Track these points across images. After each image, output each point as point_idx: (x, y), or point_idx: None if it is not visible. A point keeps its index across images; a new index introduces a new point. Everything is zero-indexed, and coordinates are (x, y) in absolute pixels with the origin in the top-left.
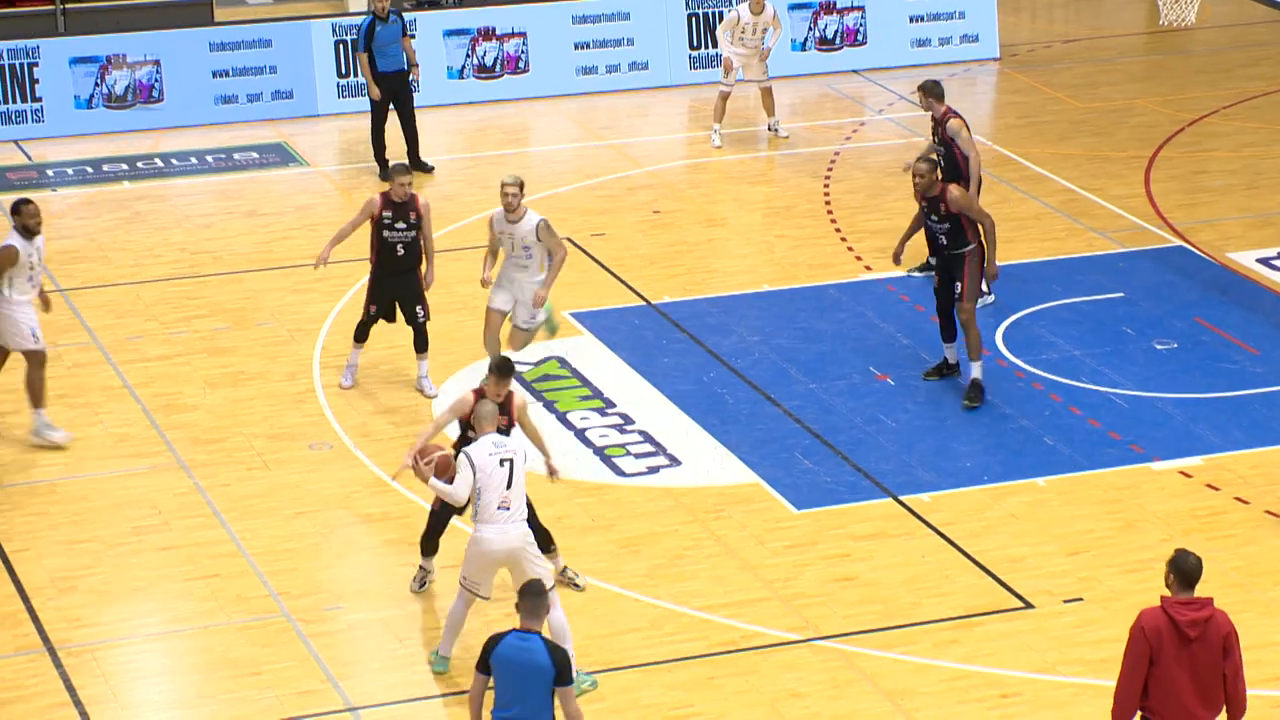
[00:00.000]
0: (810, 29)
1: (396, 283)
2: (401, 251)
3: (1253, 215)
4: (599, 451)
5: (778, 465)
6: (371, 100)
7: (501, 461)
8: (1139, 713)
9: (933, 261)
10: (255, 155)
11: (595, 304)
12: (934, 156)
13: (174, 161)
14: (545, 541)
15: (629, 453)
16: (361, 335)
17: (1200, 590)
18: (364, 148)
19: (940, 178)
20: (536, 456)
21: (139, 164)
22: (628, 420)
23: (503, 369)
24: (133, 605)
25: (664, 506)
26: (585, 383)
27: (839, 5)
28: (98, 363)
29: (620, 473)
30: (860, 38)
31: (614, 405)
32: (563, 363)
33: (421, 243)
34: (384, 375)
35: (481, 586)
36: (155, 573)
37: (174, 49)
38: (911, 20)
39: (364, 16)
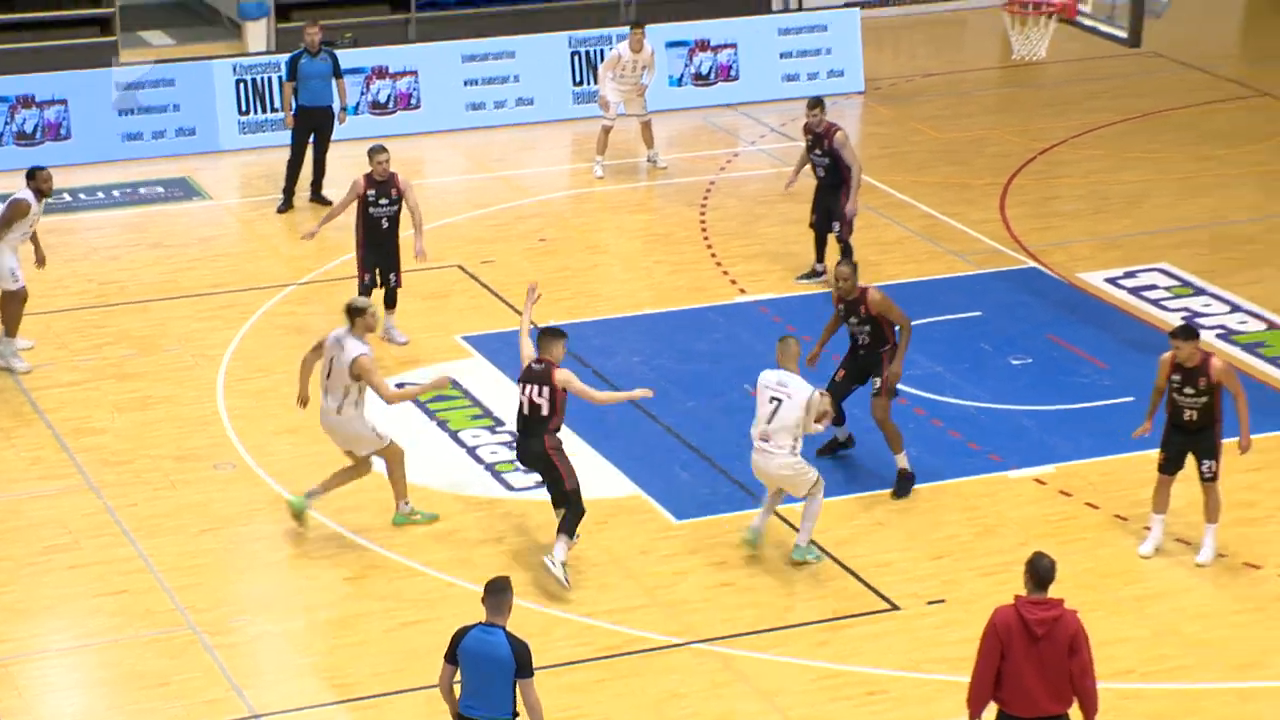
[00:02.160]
0: (686, 65)
1: (380, 252)
2: (385, 225)
3: (1100, 238)
4: (489, 468)
5: (659, 478)
6: (291, 131)
7: (770, 399)
8: (993, 703)
9: (820, 269)
10: (160, 190)
11: (485, 328)
12: (855, 262)
13: (82, 196)
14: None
15: (518, 468)
16: (380, 299)
17: (1055, 590)
18: (264, 181)
19: (855, 281)
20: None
21: (48, 199)
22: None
23: (555, 332)
24: (45, 621)
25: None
26: (476, 402)
27: (713, 43)
28: (10, 389)
29: (510, 487)
30: (733, 73)
31: (503, 424)
32: (455, 384)
33: (408, 213)
34: (285, 397)
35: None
36: (66, 590)
37: (81, 89)
38: (781, 56)
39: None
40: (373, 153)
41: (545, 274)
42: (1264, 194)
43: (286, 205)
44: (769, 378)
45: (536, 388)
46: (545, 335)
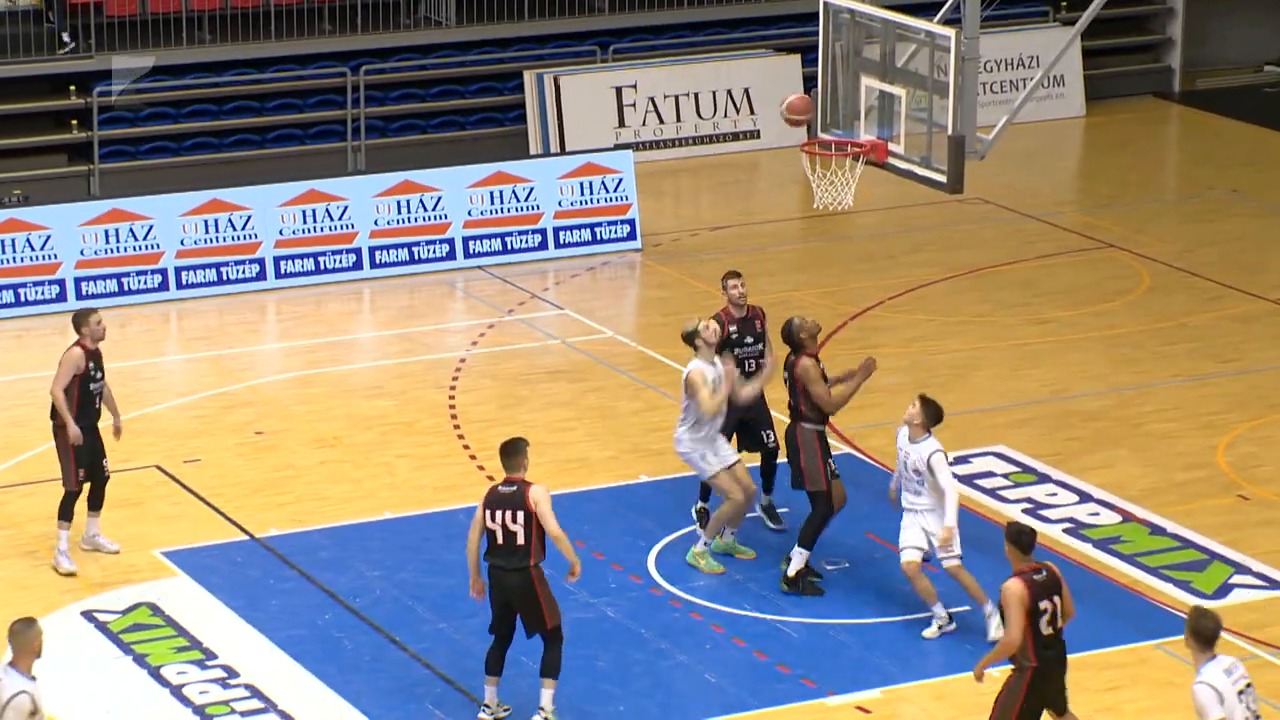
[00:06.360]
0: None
1: (93, 438)
2: (98, 404)
3: None
4: (199, 711)
5: (407, 717)
6: None
7: None
8: None
9: None
10: None
11: (190, 540)
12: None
13: None
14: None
15: (234, 711)
16: (68, 513)
17: None
18: None
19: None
20: None
21: None
22: (232, 674)
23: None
24: None
25: None
26: (181, 632)
27: None
28: None
29: None
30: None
31: (215, 656)
32: (154, 610)
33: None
34: None
35: None
36: None
37: None
38: None
39: None
40: (87, 316)
41: (263, 473)
42: (1111, 363)
43: None
44: None
45: (509, 513)
46: (506, 451)
